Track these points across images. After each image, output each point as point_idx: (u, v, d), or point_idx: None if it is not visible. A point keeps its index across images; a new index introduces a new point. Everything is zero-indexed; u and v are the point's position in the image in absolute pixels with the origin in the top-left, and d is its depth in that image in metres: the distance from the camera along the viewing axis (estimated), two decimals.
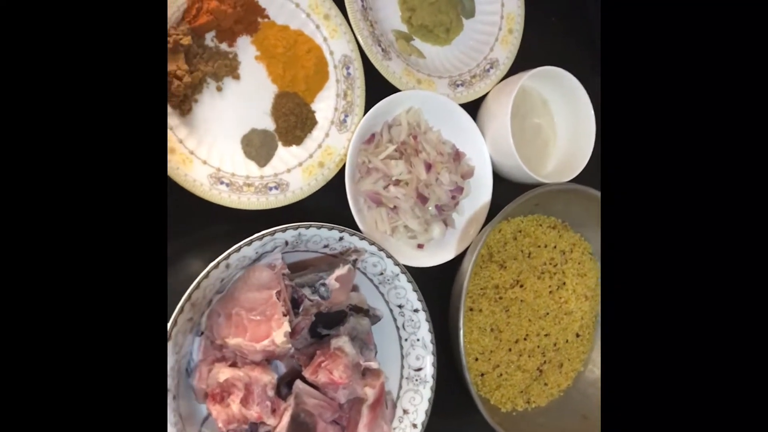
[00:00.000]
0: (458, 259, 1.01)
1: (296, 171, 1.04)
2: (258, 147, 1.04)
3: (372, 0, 1.11)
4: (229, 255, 0.80)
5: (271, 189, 1.02)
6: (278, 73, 1.05)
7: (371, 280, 0.98)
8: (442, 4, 1.14)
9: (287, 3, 1.06)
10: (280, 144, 1.06)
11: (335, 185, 1.04)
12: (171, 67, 0.96)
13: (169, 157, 0.94)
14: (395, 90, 1.03)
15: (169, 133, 0.96)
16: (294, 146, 1.06)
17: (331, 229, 0.87)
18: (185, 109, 0.99)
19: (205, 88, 1.02)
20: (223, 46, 1.03)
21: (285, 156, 1.05)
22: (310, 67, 1.07)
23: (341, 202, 1.01)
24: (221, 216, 0.98)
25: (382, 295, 0.99)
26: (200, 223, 0.99)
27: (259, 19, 1.06)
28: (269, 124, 1.05)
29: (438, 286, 1.01)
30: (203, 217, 0.99)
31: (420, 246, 1.05)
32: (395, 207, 1.02)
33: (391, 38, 1.14)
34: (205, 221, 0.99)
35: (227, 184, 0.99)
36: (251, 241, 0.82)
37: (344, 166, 0.98)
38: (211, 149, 1.00)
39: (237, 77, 1.04)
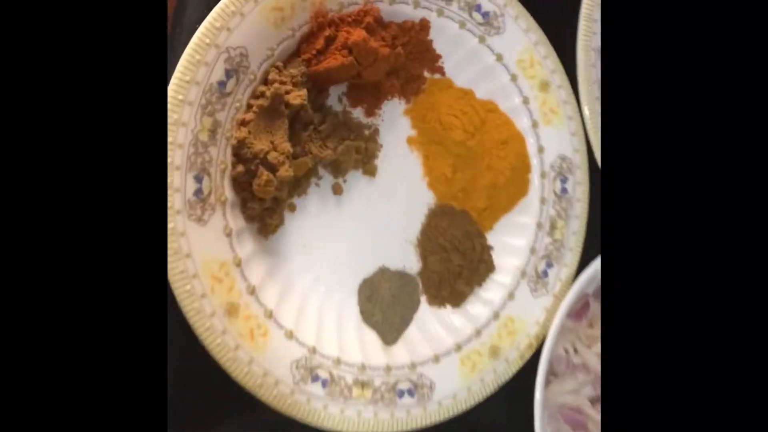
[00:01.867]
0: None
1: (450, 361, 0.56)
2: (388, 304, 0.55)
3: None
4: None
5: (402, 394, 0.53)
6: (441, 171, 0.57)
7: None
8: None
9: (480, 50, 0.57)
10: (424, 300, 0.57)
11: (510, 387, 0.57)
12: (259, 144, 0.48)
13: (228, 321, 0.47)
14: None
15: (236, 275, 0.48)
16: (449, 307, 0.58)
17: None
18: (271, 225, 0.51)
19: (312, 189, 0.54)
20: (356, 114, 0.55)
21: (431, 327, 0.57)
22: (502, 169, 0.58)
23: (518, 416, 0.56)
24: None
25: None
26: None
27: (426, 73, 0.58)
28: (412, 262, 0.57)
29: None
30: None
31: None
32: None
33: None
34: None
35: (324, 382, 0.50)
36: None
37: (536, 355, 0.57)
38: (302, 310, 0.52)
39: (371, 173, 0.55)
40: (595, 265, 0.58)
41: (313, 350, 0.51)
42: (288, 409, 0.49)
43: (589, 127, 0.59)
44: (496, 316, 0.58)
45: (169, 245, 0.44)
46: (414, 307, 0.58)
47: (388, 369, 0.54)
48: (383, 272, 0.57)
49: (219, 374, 0.47)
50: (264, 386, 0.48)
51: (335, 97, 0.55)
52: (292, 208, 0.53)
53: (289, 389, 0.49)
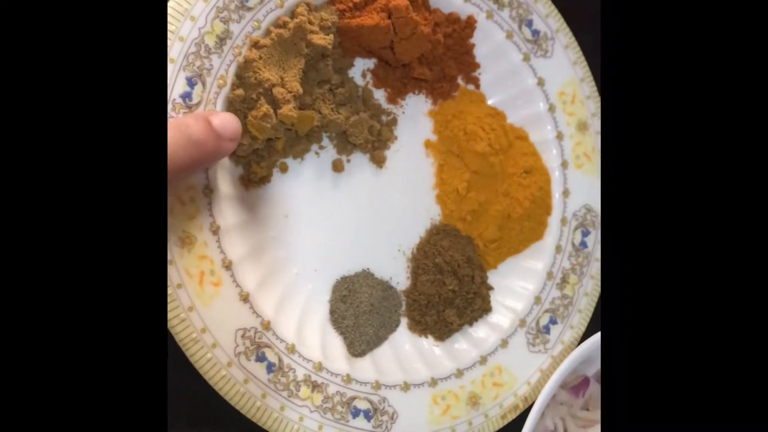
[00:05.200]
0: None
1: (421, 394, 0.46)
2: (364, 312, 0.47)
3: None
4: None
5: (357, 413, 0.43)
6: (454, 186, 0.51)
7: None
8: None
9: (522, 69, 0.53)
10: (404, 324, 0.49)
11: None
12: (267, 73, 0.42)
13: (179, 251, 0.38)
14: None
15: (202, 206, 0.40)
16: (431, 339, 0.49)
17: None
18: (256, 174, 0.44)
19: (310, 156, 0.47)
20: (378, 96, 0.50)
21: (407, 353, 0.48)
22: (521, 199, 0.52)
23: None
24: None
25: None
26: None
27: (461, 81, 0.53)
28: (401, 277, 0.49)
29: None
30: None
31: None
32: None
33: None
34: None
35: (270, 366, 0.41)
36: None
37: (519, 419, 0.49)
38: (267, 281, 0.43)
39: (380, 162, 0.49)
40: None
41: (267, 326, 0.42)
42: (219, 382, 0.39)
43: None
44: (483, 361, 0.50)
45: None
46: (392, 326, 0.49)
47: (348, 379, 0.44)
48: (367, 276, 0.49)
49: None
50: (198, 343, 0.39)
51: (359, 71, 0.50)
52: (284, 168, 0.46)
53: (226, 359, 0.40)
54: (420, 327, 0.50)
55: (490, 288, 0.52)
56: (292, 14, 0.45)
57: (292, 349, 0.43)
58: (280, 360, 0.42)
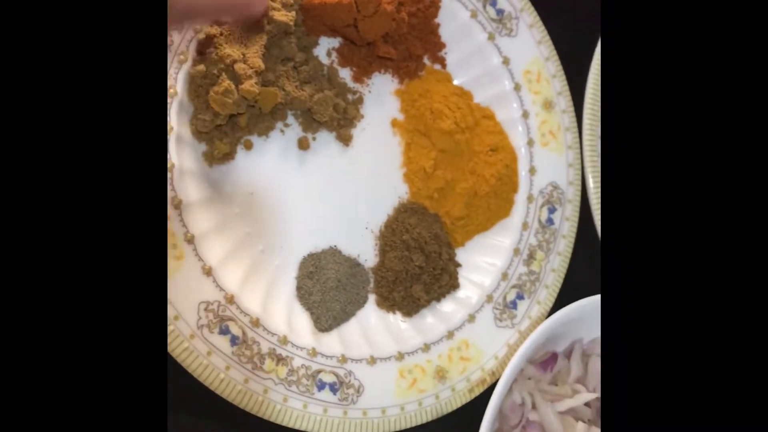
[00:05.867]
0: None
1: (387, 367, 0.47)
2: (331, 288, 0.47)
3: None
4: None
5: (322, 386, 0.44)
6: (421, 165, 0.51)
7: None
8: None
9: (487, 47, 0.53)
10: (373, 300, 0.49)
11: (450, 424, 0.46)
12: (229, 49, 0.42)
13: None
14: None
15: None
16: (399, 315, 0.49)
17: None
18: (219, 150, 0.44)
19: (275, 134, 0.48)
20: (343, 75, 0.50)
21: (374, 328, 0.49)
22: (487, 176, 0.52)
23: None
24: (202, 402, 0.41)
25: None
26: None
27: (427, 60, 0.53)
28: (368, 254, 0.49)
29: None
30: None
31: None
32: None
33: None
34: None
35: (234, 339, 0.41)
36: None
37: (487, 393, 0.48)
38: (231, 257, 0.44)
39: (346, 140, 0.49)
40: (570, 309, 0.50)
41: (231, 300, 0.43)
42: (182, 355, 0.40)
43: (587, 162, 0.54)
44: (450, 335, 0.50)
45: None
46: (359, 302, 0.50)
47: (313, 352, 0.45)
48: (334, 253, 0.49)
49: None
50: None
51: (324, 51, 0.50)
52: (249, 145, 0.47)
53: (189, 331, 0.40)
54: (388, 303, 0.50)
55: (458, 265, 0.53)
56: None
57: (256, 323, 0.43)
58: (244, 333, 0.42)
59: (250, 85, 0.42)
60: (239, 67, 0.43)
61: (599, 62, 0.56)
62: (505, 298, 0.52)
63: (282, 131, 0.48)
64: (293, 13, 0.45)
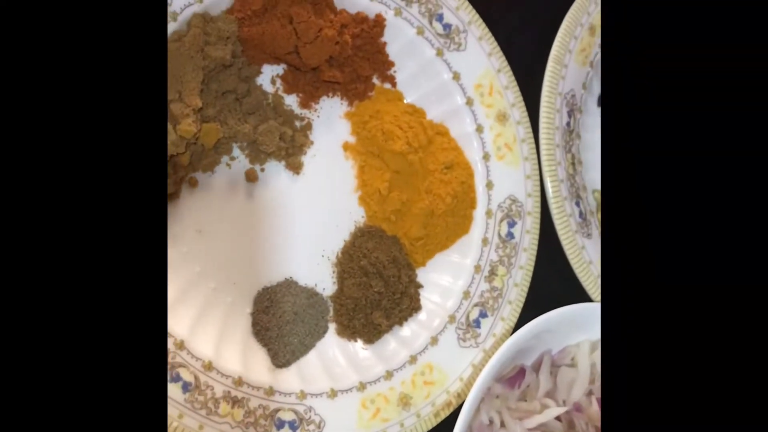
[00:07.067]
0: None
1: (349, 399, 0.46)
2: (287, 322, 0.46)
3: (582, 125, 0.57)
4: None
5: (281, 425, 0.43)
6: (376, 187, 0.50)
7: None
8: None
9: (436, 63, 0.52)
10: (332, 329, 0.48)
11: None
12: (171, 94, 0.42)
13: None
14: (586, 297, 0.53)
15: None
16: (360, 342, 0.49)
17: None
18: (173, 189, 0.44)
19: (221, 168, 0.47)
20: (290, 102, 0.49)
21: (334, 359, 0.48)
22: (443, 195, 0.52)
23: None
24: None
25: None
26: None
27: (376, 80, 0.52)
28: (326, 282, 0.49)
29: None
30: None
31: None
32: None
33: (597, 201, 0.59)
34: None
35: (186, 386, 0.41)
36: None
37: (454, 416, 0.47)
38: (182, 300, 0.43)
39: (296, 169, 0.49)
40: (535, 324, 0.49)
41: (181, 345, 0.42)
42: None
43: (545, 172, 0.53)
44: (413, 360, 0.49)
45: None
46: (319, 333, 0.49)
47: (270, 391, 0.44)
48: (289, 285, 0.48)
49: None
50: None
51: (268, 78, 0.49)
52: (194, 183, 0.46)
53: None
54: (348, 331, 0.49)
55: (419, 286, 0.52)
56: (188, 26, 0.44)
57: (209, 367, 0.43)
58: (196, 378, 0.42)
59: (188, 125, 0.42)
60: (175, 106, 0.42)
61: (553, 68, 0.55)
62: (468, 317, 0.51)
63: (228, 165, 0.47)
64: (230, 46, 0.44)
